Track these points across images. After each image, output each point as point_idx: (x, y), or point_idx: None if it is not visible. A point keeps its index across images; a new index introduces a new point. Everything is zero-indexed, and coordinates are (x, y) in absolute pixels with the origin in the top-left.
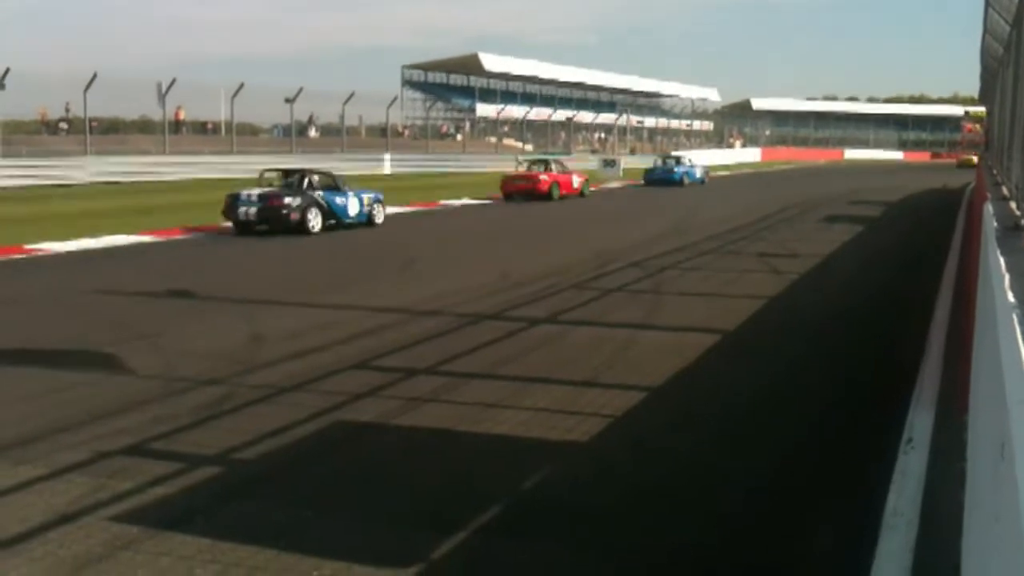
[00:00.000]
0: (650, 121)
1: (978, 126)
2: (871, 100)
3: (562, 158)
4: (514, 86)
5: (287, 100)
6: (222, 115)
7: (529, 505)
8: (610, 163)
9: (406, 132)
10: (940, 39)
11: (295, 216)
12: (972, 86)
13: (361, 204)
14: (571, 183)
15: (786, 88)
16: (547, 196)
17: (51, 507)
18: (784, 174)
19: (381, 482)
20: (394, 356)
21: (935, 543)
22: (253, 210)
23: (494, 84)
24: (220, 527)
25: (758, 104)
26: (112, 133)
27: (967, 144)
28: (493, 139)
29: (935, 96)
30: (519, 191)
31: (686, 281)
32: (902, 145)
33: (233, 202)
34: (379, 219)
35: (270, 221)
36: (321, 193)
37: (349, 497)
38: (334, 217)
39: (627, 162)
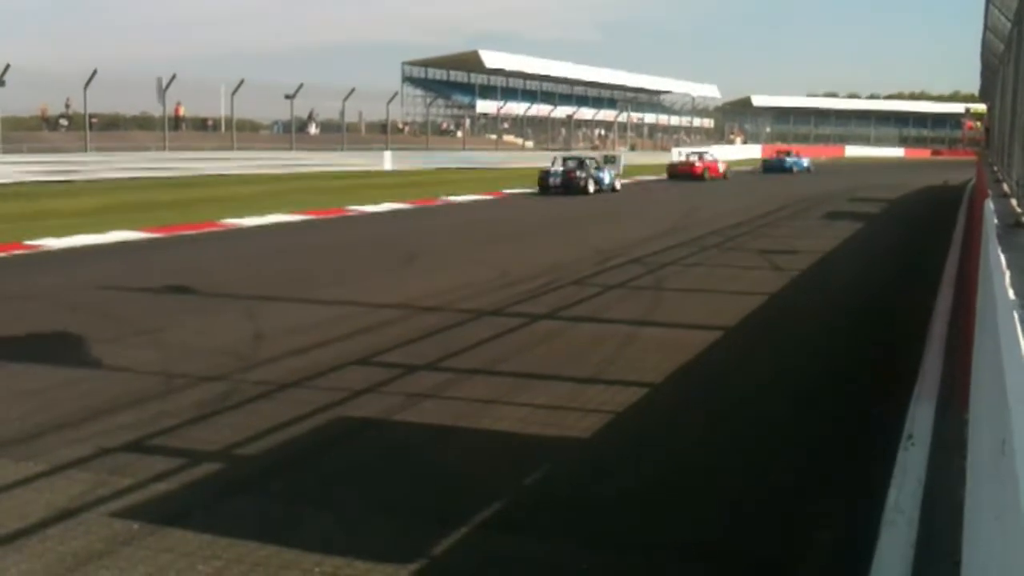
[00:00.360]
0: (650, 118)
1: (979, 123)
2: (872, 97)
3: (712, 150)
4: (514, 83)
5: (287, 96)
6: (222, 111)
7: (530, 501)
8: (610, 160)
9: (406, 128)
10: (941, 36)
11: (583, 184)
12: (973, 83)
13: (611, 177)
14: (717, 168)
15: (787, 85)
16: (700, 177)
17: (52, 503)
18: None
19: (382, 478)
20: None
21: (936, 540)
22: (558, 180)
23: (494, 81)
24: (221, 523)
25: (758, 101)
26: (112, 129)
27: (968, 141)
28: (493, 136)
29: (936, 93)
30: (680, 173)
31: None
32: (903, 142)
33: (545, 175)
34: (618, 187)
35: (567, 187)
36: (593, 170)
37: (350, 493)
38: (598, 185)
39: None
